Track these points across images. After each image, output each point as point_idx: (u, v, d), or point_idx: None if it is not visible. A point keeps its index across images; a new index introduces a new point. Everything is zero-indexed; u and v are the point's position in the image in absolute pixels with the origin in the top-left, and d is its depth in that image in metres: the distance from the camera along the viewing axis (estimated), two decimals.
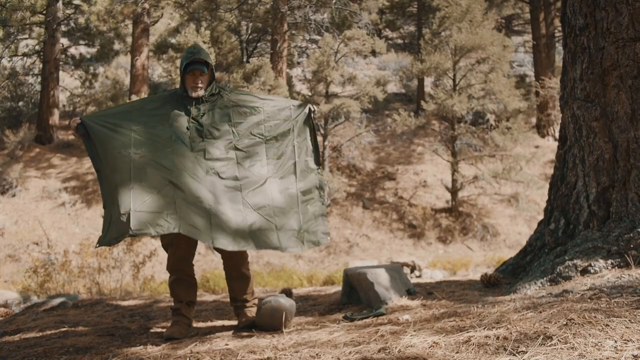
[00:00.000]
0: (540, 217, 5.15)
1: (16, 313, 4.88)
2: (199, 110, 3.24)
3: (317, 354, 2.29)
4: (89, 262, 8.50)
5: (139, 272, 8.41)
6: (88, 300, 5.32)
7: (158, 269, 10.04)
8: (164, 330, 3.40)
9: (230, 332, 3.24)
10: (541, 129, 17.80)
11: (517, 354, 1.92)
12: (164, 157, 3.07)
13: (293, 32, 18.96)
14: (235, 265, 3.41)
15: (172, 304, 3.46)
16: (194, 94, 3.24)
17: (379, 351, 2.20)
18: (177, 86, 13.19)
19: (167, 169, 3.03)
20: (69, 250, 9.88)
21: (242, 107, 3.38)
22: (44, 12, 15.69)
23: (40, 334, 3.55)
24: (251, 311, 3.42)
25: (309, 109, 3.53)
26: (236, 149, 3.26)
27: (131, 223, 2.78)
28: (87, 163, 15.72)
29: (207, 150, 3.17)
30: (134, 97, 14.67)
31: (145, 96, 15.47)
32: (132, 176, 2.94)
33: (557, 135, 15.91)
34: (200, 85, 3.24)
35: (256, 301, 3.52)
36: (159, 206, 2.90)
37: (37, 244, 12.13)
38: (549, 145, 16.72)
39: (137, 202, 2.87)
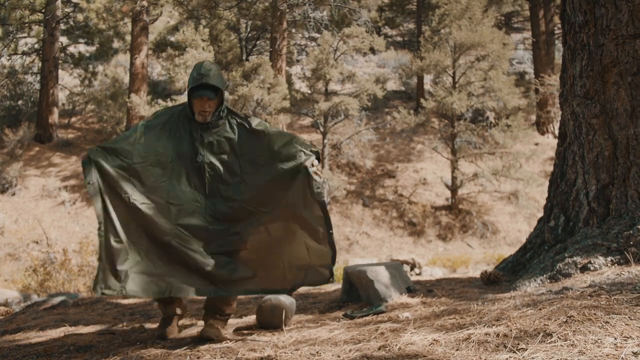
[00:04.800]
0: (540, 214, 5.17)
1: (16, 312, 4.88)
2: (203, 137, 3.00)
3: (317, 352, 2.30)
4: (89, 261, 8.51)
5: None
6: (88, 298, 5.32)
7: None
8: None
9: (231, 330, 3.24)
10: (541, 126, 17.80)
11: (517, 351, 1.92)
12: (164, 196, 2.90)
13: (292, 30, 18.94)
14: None
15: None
16: (200, 119, 2.99)
17: (379, 349, 2.20)
18: (176, 84, 12.98)
19: (169, 214, 2.88)
20: (69, 249, 9.89)
21: (249, 143, 3.08)
22: (43, 10, 15.67)
23: (41, 332, 3.55)
24: (218, 326, 3.04)
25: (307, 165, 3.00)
26: (242, 183, 3.00)
27: (127, 285, 2.76)
28: None
29: (212, 185, 2.97)
30: (133, 96, 14.67)
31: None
32: (134, 230, 2.85)
33: (556, 132, 15.88)
34: (208, 110, 2.98)
35: (229, 320, 3.31)
36: (156, 268, 2.84)
37: (37, 242, 12.13)
38: (549, 143, 16.72)
39: (132, 263, 2.81)
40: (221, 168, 2.98)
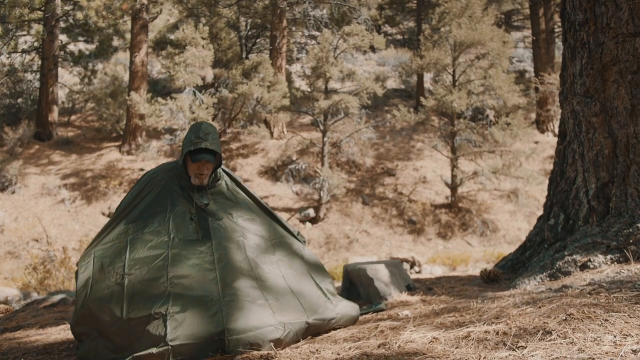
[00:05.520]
0: (540, 212, 5.18)
1: (16, 310, 4.88)
2: (202, 198, 2.88)
3: (317, 350, 2.30)
4: None
5: None
6: None
7: None
8: None
9: None
10: (541, 124, 17.80)
11: (516, 349, 1.93)
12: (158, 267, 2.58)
13: (292, 28, 18.94)
14: None
15: None
16: (197, 182, 2.87)
17: (378, 347, 2.20)
18: (176, 82, 12.93)
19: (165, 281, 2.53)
20: (69, 247, 9.90)
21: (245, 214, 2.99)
22: (43, 8, 15.66)
23: (41, 330, 3.55)
24: None
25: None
26: (244, 238, 2.86)
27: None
28: (87, 160, 15.72)
29: (217, 246, 2.75)
30: (133, 94, 14.67)
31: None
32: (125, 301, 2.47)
33: (556, 130, 15.91)
34: (205, 173, 2.87)
35: None
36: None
37: (36, 240, 12.14)
38: (549, 141, 16.73)
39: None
40: (223, 228, 2.83)
